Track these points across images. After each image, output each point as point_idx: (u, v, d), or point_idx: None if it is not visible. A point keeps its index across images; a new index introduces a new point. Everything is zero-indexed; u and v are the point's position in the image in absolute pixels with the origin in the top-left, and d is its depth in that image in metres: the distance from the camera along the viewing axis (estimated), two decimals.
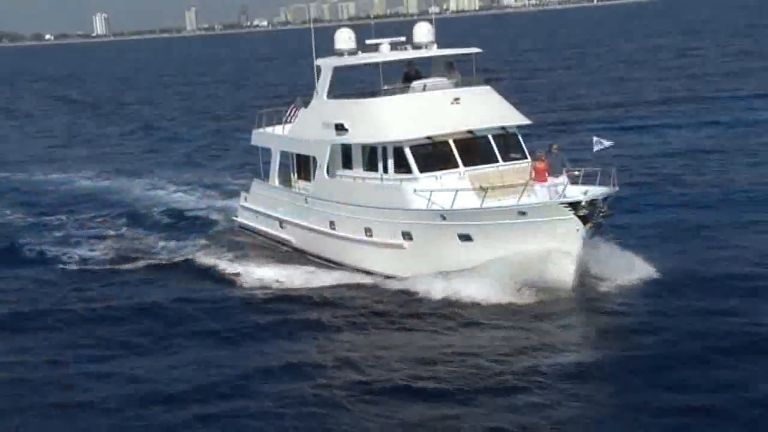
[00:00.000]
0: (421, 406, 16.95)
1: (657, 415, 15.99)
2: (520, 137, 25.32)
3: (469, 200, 22.49)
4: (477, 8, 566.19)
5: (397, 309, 22.19)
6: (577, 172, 22.52)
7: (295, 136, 29.79)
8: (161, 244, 31.00)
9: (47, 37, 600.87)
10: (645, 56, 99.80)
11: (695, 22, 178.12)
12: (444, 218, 22.64)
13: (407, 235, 23.70)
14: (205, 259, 28.45)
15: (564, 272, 21.41)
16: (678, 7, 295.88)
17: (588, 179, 22.26)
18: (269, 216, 30.40)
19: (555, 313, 20.82)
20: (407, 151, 24.02)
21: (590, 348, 19.31)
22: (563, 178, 22.45)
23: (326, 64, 28.56)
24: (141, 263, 28.64)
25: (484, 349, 19.33)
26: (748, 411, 16.02)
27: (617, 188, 21.67)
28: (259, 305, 23.68)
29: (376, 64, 27.15)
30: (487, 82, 26.78)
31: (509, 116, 25.49)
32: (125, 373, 19.57)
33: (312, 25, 30.59)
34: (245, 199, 32.26)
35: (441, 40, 29.10)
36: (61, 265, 28.96)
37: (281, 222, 29.75)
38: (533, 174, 22.83)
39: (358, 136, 25.63)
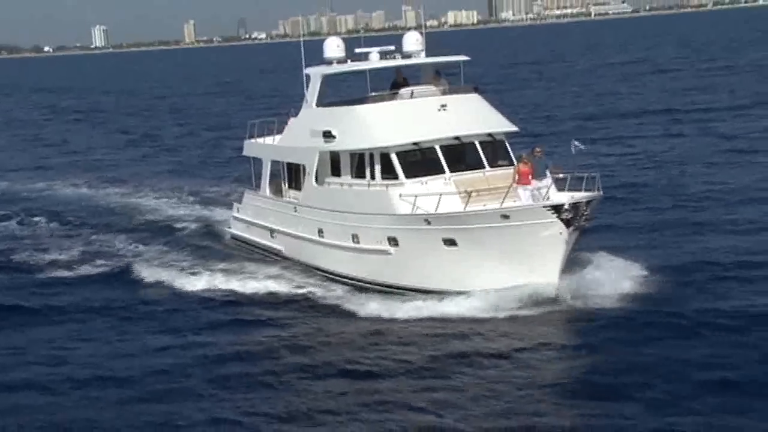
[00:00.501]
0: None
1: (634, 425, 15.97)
2: (507, 144, 25.34)
3: (454, 204, 22.49)
4: (475, 22, 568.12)
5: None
6: (561, 175, 22.55)
7: (285, 145, 29.92)
8: (129, 248, 31.59)
9: (46, 49, 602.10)
10: (631, 69, 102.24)
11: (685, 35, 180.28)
12: (428, 222, 22.62)
13: (393, 241, 23.67)
14: (161, 264, 28.90)
15: (548, 276, 21.38)
16: (677, 22, 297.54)
17: (575, 185, 22.29)
18: (261, 226, 30.44)
19: (538, 317, 20.77)
20: (393, 157, 24.03)
21: (571, 355, 19.23)
22: (547, 181, 22.45)
23: (315, 73, 28.68)
24: (102, 268, 29.14)
25: (461, 351, 19.35)
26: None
27: (601, 193, 21.68)
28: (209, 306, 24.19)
29: (364, 72, 27.29)
30: (475, 89, 26.81)
31: (496, 123, 25.51)
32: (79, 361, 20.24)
33: (302, 37, 30.69)
34: (237, 210, 32.32)
35: (433, 51, 29.26)
36: (24, 271, 29.26)
37: (272, 232, 29.78)
38: (517, 177, 22.85)
39: (345, 143, 25.67)
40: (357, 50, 29.06)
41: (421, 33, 29.30)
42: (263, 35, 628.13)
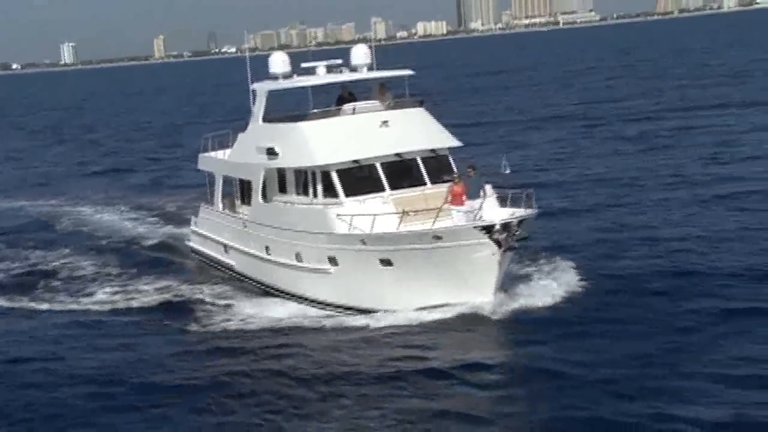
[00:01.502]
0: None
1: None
2: (451, 159, 25.14)
3: (391, 224, 22.22)
4: (444, 32, 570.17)
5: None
6: (494, 196, 22.29)
7: (234, 161, 29.72)
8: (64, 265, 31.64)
9: (14, 66, 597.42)
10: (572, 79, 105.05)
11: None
12: (364, 243, 22.44)
13: (333, 260, 23.48)
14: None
15: (483, 295, 21.26)
16: (645, 29, 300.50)
17: (524, 200, 22.21)
18: (215, 241, 30.24)
19: (474, 336, 20.61)
20: (334, 175, 23.80)
21: (506, 371, 19.04)
22: (485, 201, 21.96)
23: (260, 89, 28.47)
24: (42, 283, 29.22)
25: (391, 369, 19.16)
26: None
27: (535, 210, 21.58)
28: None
29: (306, 88, 27.29)
30: (420, 103, 26.66)
31: (439, 138, 25.29)
32: None
33: (248, 53, 30.39)
34: (195, 224, 32.15)
35: (383, 64, 29.14)
36: None
37: (225, 247, 29.54)
38: (449, 198, 22.64)
39: (287, 160, 25.45)
40: (303, 65, 28.84)
41: (370, 46, 29.14)
42: (233, 49, 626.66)
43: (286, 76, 28.56)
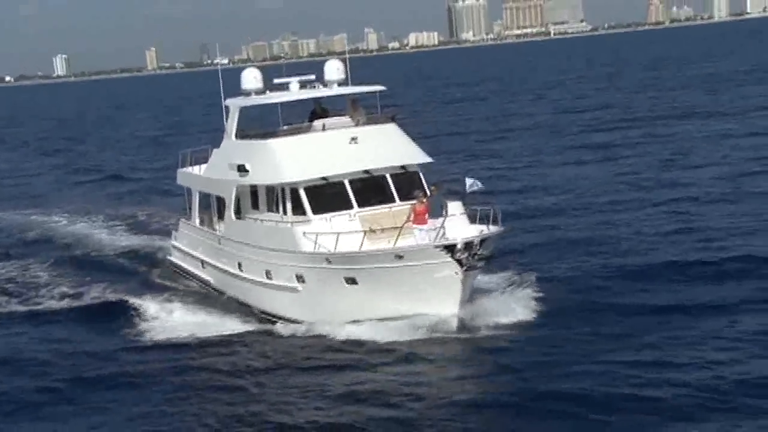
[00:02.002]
0: None
1: None
2: (421, 176, 24.96)
3: (356, 243, 22.04)
4: (436, 43, 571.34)
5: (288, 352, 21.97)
6: (463, 213, 22.17)
7: (208, 176, 29.64)
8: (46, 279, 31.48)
9: (7, 78, 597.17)
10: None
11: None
12: (329, 261, 22.32)
13: (300, 278, 23.34)
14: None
15: (447, 311, 21.11)
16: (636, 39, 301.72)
17: (491, 218, 22.22)
18: (193, 256, 30.12)
19: (436, 354, 20.47)
20: (302, 192, 23.66)
21: (472, 389, 18.92)
22: (448, 219, 21.82)
23: (233, 104, 28.39)
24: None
25: (356, 389, 19.08)
26: None
27: (501, 228, 21.50)
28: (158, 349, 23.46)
29: (277, 105, 27.24)
30: (392, 119, 26.56)
31: (409, 155, 25.12)
32: None
33: (220, 67, 30.33)
34: (175, 238, 32.05)
35: (358, 79, 29.04)
36: None
37: (202, 262, 29.42)
38: (412, 216, 22.52)
39: (257, 177, 25.34)
40: (276, 80, 28.73)
41: (343, 60, 29.02)
42: (225, 60, 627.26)
43: (259, 92, 28.48)
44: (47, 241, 38.03)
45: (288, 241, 23.48)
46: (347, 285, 22.14)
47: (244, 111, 28.15)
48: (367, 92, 27.38)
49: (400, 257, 21.16)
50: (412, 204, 22.93)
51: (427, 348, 20.64)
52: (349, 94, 27.19)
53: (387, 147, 25.00)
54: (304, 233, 22.83)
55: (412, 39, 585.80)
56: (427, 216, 22.31)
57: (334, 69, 28.38)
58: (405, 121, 27.91)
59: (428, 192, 24.14)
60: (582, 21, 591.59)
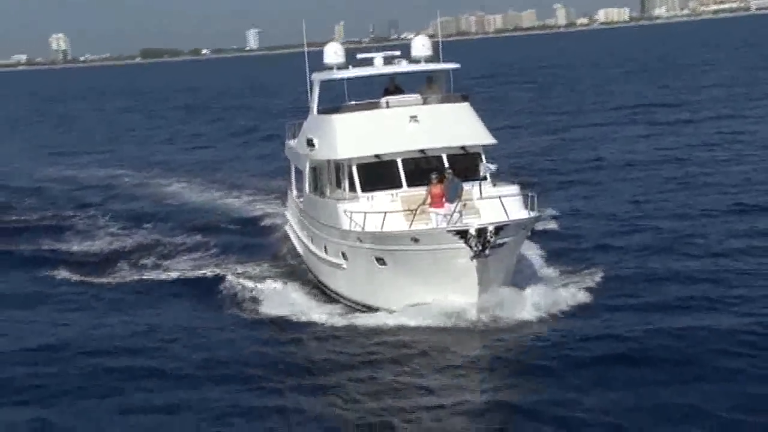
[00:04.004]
0: None
1: None
2: (482, 157, 24.24)
3: (395, 223, 21.65)
4: (627, 19, 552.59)
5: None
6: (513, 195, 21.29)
7: (295, 150, 30.24)
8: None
9: (204, 51, 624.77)
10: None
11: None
12: (360, 240, 22.06)
13: (344, 255, 23.30)
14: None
15: (467, 297, 20.47)
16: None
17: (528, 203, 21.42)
18: (291, 227, 30.75)
19: (453, 336, 19.96)
20: (354, 170, 23.58)
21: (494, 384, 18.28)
22: (492, 203, 21.19)
23: (314, 79, 28.60)
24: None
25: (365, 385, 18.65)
26: None
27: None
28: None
29: (363, 78, 27.18)
30: (464, 98, 25.83)
31: (470, 135, 24.36)
32: None
33: (306, 46, 30.44)
34: (286, 208, 32.93)
35: (448, 56, 28.53)
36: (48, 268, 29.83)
37: (296, 234, 29.92)
38: (429, 200, 21.85)
39: (321, 152, 25.48)
40: (359, 56, 28.68)
41: (429, 36, 28.65)
42: (412, 35, 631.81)
43: (341, 66, 28.44)
44: (181, 211, 39.15)
45: (333, 217, 23.49)
46: (379, 265, 21.87)
47: (324, 85, 28.33)
48: (439, 69, 26.92)
49: (416, 240, 20.65)
50: (427, 187, 22.33)
51: (442, 341, 20.09)
52: (422, 71, 26.83)
53: (449, 126, 24.40)
54: (345, 211, 22.66)
55: (602, 15, 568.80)
56: (443, 199, 21.60)
57: (419, 45, 28.23)
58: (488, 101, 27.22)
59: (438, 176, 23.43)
60: None
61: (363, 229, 21.64)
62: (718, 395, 16.88)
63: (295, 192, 31.24)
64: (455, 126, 24.51)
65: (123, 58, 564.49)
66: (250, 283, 26.02)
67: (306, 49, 30.02)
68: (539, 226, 28.34)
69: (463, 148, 24.10)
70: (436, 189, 21.96)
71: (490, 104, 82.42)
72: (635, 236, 29.13)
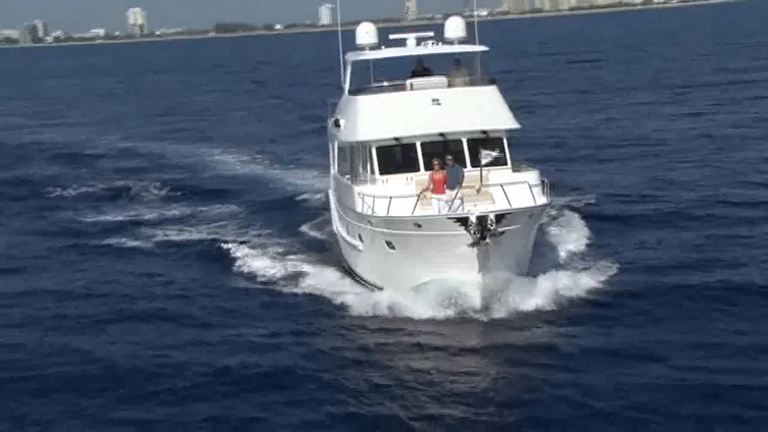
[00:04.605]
0: None
1: None
2: (505, 142, 24.08)
3: (404, 206, 21.67)
4: None
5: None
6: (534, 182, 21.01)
7: (328, 129, 30.43)
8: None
9: (277, 27, 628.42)
10: None
11: None
12: (371, 223, 22.20)
13: (360, 237, 23.49)
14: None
15: (465, 290, 20.48)
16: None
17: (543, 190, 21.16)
18: (331, 206, 31.12)
19: (454, 324, 19.96)
20: (373, 152, 23.70)
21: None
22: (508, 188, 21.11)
23: (347, 59, 28.74)
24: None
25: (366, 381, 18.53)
26: None
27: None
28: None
29: (395, 58, 27.26)
30: (491, 82, 25.71)
31: (493, 120, 24.22)
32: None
33: (339, 27, 30.57)
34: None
35: (483, 38, 28.41)
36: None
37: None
38: (430, 185, 21.86)
39: (345, 133, 25.69)
40: (392, 36, 28.68)
41: (463, 16, 28.54)
42: (485, 12, 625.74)
43: (373, 47, 28.53)
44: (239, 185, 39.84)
45: (351, 200, 23.66)
46: (389, 249, 21.99)
47: (356, 65, 28.45)
48: (466, 52, 26.82)
49: (419, 226, 20.68)
50: (429, 173, 22.39)
51: (444, 330, 20.11)
52: (449, 53, 26.77)
53: (471, 110, 24.32)
54: (359, 193, 22.84)
55: None
56: (445, 185, 21.59)
57: (453, 26, 28.21)
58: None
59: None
60: None
61: (373, 212, 21.78)
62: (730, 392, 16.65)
63: (332, 170, 31.55)
64: (478, 110, 24.43)
65: (197, 32, 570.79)
66: (279, 262, 26.48)
67: (339, 28, 30.08)
68: (565, 208, 28.07)
69: (484, 132, 24.01)
70: (438, 175, 22.00)
71: (546, 83, 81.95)
72: (666, 224, 28.80)
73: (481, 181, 21.87)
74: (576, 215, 29.47)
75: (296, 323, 21.68)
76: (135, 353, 19.93)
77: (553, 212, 28.99)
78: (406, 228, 21.16)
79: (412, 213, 21.13)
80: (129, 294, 24.61)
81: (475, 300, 20.43)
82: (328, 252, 27.81)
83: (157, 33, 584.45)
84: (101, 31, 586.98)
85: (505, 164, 23.43)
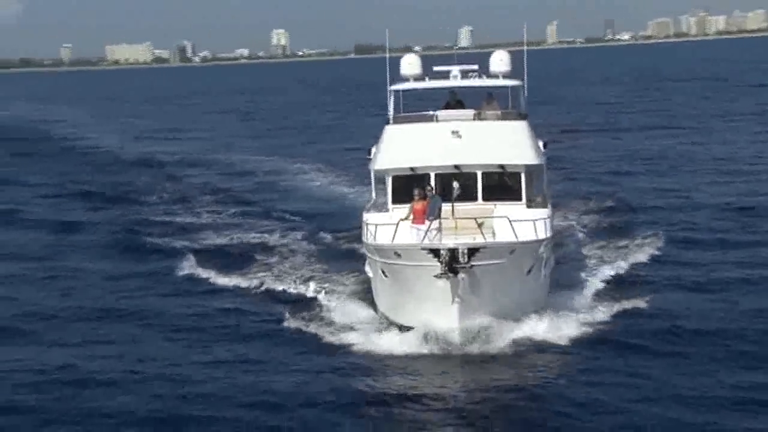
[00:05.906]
0: None
1: None
2: (523, 177, 24.04)
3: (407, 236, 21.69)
4: None
5: None
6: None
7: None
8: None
9: (416, 48, 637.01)
10: None
11: None
12: (369, 252, 22.57)
13: (369, 266, 23.95)
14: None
15: (443, 325, 20.32)
16: None
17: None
18: None
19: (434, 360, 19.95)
20: (389, 180, 24.23)
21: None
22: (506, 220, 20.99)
23: (390, 89, 29.29)
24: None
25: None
26: None
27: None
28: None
29: (436, 89, 27.85)
30: (522, 117, 25.81)
31: (512, 154, 24.21)
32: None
33: (388, 54, 31.04)
34: None
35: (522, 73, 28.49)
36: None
37: None
38: (411, 215, 21.89)
39: (372, 161, 26.27)
40: (435, 68, 29.07)
41: (511, 51, 28.66)
42: (627, 36, 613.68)
43: (417, 78, 28.97)
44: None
45: (362, 228, 24.09)
46: (383, 277, 22.25)
47: (397, 95, 28.92)
48: (499, 86, 26.99)
49: (398, 255, 20.83)
50: (411, 204, 22.48)
51: (423, 367, 19.95)
52: (484, 86, 26.99)
53: (491, 144, 24.41)
54: (365, 221, 23.34)
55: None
56: (425, 215, 21.67)
57: (497, 60, 28.33)
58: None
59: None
60: None
61: (367, 240, 22.20)
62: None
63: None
64: (498, 144, 24.51)
65: (337, 53, 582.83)
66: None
67: (387, 54, 30.52)
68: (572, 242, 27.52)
69: (501, 166, 24.07)
70: (418, 205, 22.17)
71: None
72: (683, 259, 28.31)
73: (453, 215, 21.64)
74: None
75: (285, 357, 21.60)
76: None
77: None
78: (390, 257, 21.36)
79: (392, 241, 21.26)
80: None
81: (454, 336, 20.25)
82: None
83: (299, 53, 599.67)
84: (245, 51, 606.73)
85: (519, 199, 23.40)
